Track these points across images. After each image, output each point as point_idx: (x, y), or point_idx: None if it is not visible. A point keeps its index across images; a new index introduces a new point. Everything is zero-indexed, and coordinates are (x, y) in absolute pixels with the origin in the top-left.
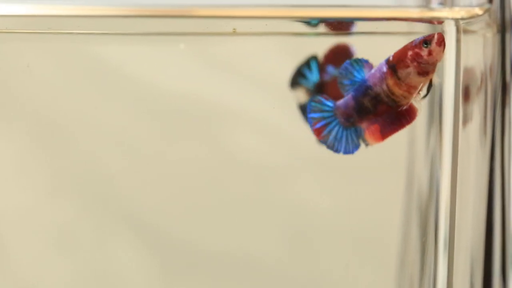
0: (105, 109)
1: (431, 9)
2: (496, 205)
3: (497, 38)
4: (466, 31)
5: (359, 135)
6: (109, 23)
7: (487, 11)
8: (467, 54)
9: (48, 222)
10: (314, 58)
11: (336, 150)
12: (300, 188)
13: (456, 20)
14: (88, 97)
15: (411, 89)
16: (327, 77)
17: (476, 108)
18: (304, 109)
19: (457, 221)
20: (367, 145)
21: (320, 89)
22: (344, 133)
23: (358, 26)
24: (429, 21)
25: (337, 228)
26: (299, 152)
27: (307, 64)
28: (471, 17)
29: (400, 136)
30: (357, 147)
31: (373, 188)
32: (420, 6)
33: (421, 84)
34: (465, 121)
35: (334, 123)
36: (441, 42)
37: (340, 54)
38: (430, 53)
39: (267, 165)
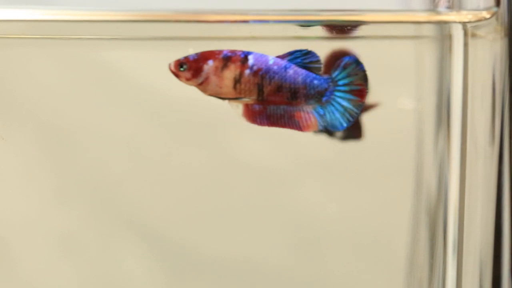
0: (112, 115)
1: (439, 13)
2: (504, 208)
3: (505, 41)
4: (473, 35)
5: None
6: (116, 28)
7: (494, 14)
8: (474, 57)
9: (54, 228)
10: None
11: None
12: (307, 193)
13: (464, 24)
14: (94, 103)
15: None
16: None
17: (484, 111)
18: None
19: (465, 224)
20: None
21: None
22: None
23: (364, 30)
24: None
25: (344, 232)
26: (305, 157)
27: None
28: (479, 20)
29: (408, 139)
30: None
31: (381, 192)
32: (427, 10)
33: None
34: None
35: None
36: None
37: None
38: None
39: (273, 169)
